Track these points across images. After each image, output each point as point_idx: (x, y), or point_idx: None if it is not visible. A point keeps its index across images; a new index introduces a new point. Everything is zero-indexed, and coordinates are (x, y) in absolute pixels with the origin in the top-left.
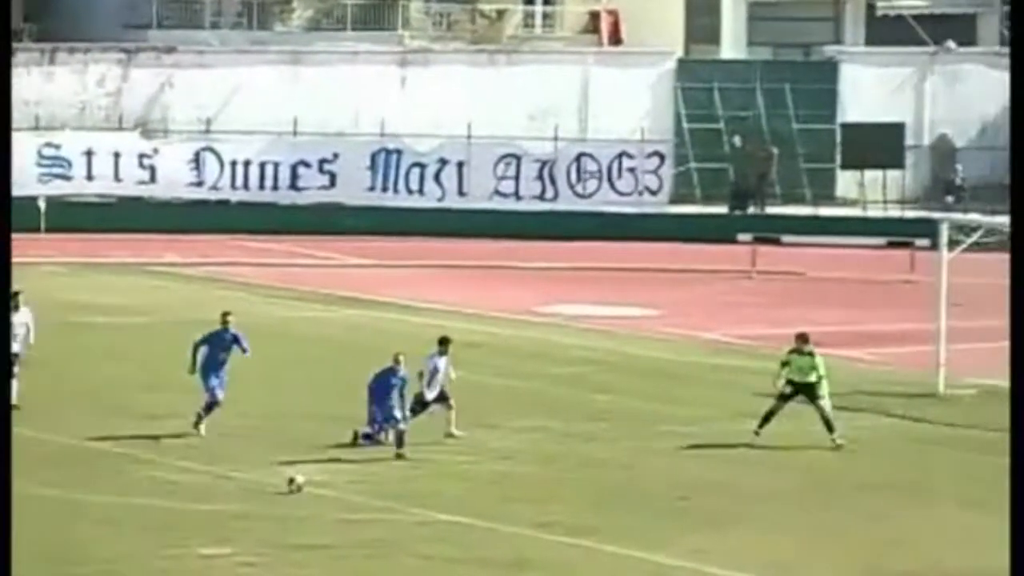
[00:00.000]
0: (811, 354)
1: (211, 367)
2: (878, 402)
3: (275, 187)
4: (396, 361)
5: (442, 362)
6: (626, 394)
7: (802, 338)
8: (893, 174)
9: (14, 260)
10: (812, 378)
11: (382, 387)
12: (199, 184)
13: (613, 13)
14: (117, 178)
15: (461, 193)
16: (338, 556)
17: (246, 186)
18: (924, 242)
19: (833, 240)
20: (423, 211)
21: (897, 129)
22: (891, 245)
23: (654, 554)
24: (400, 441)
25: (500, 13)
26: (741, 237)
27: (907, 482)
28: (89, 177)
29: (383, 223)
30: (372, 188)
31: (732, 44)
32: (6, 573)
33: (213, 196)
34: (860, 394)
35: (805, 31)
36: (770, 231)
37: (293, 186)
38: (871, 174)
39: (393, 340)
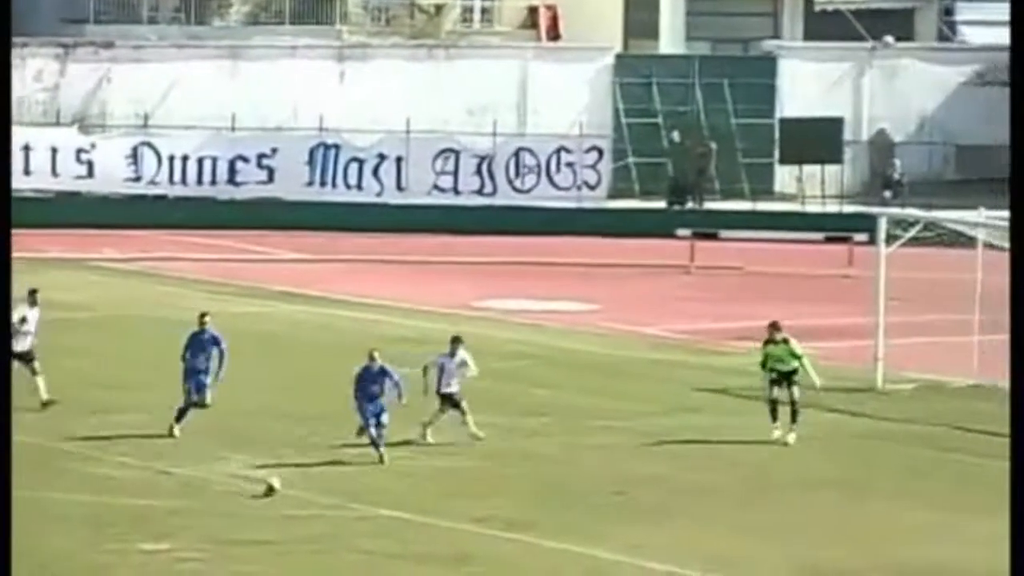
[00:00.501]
0: (785, 341)
1: (191, 370)
2: (817, 397)
3: (213, 182)
4: (371, 358)
5: (451, 362)
6: (565, 389)
7: (774, 327)
8: (831, 169)
9: None
10: (793, 365)
11: (360, 386)
12: (137, 179)
13: (551, 8)
14: (55, 173)
15: (400, 188)
16: (280, 552)
17: (184, 181)
18: (862, 237)
19: (772, 235)
20: (362, 206)
21: (835, 124)
22: (829, 240)
23: (593, 548)
24: (375, 442)
25: (438, 8)
26: (680, 232)
27: (846, 477)
28: (27, 172)
29: (322, 218)
30: (311, 183)
31: (670, 39)
32: (6, 573)
33: (151, 191)
34: (801, 388)
35: (744, 26)
36: (709, 226)
37: (231, 181)
38: (809, 169)
39: (332, 335)
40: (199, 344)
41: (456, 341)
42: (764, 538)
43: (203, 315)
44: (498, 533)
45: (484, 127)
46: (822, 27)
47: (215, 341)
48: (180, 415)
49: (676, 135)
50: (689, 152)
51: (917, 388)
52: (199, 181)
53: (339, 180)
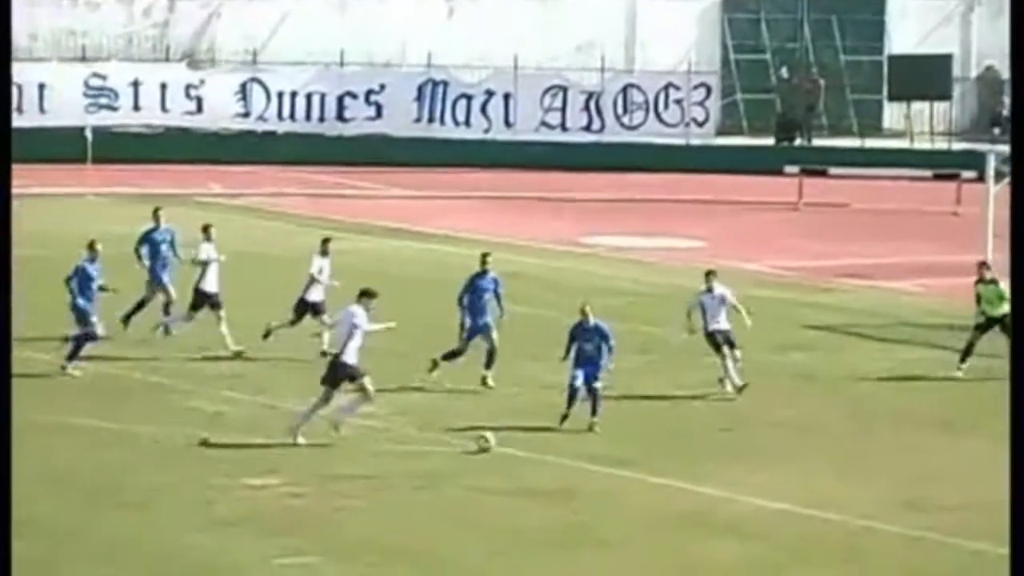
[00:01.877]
0: (994, 282)
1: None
2: (924, 334)
3: (322, 118)
4: (583, 313)
5: (710, 298)
6: (671, 326)
7: (983, 265)
8: (940, 106)
9: (59, 190)
10: (1003, 309)
11: (571, 346)
12: (245, 115)
13: None
14: (164, 109)
15: (508, 124)
16: (385, 487)
17: (292, 117)
18: (970, 174)
19: (879, 172)
20: (469, 142)
21: (944, 60)
22: (938, 177)
23: (698, 485)
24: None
25: None
26: (787, 169)
27: (950, 416)
28: (136, 108)
29: (429, 155)
30: (418, 119)
31: None
32: (6, 572)
33: (260, 127)
34: (906, 326)
35: None
36: (817, 163)
37: (340, 117)
38: (918, 106)
39: (438, 271)
40: (479, 287)
41: (711, 275)
42: (866, 474)
43: (485, 256)
44: (604, 469)
45: (592, 63)
46: None
47: (495, 284)
48: (451, 356)
49: (784, 71)
50: (797, 89)
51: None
52: (307, 117)
53: (447, 117)
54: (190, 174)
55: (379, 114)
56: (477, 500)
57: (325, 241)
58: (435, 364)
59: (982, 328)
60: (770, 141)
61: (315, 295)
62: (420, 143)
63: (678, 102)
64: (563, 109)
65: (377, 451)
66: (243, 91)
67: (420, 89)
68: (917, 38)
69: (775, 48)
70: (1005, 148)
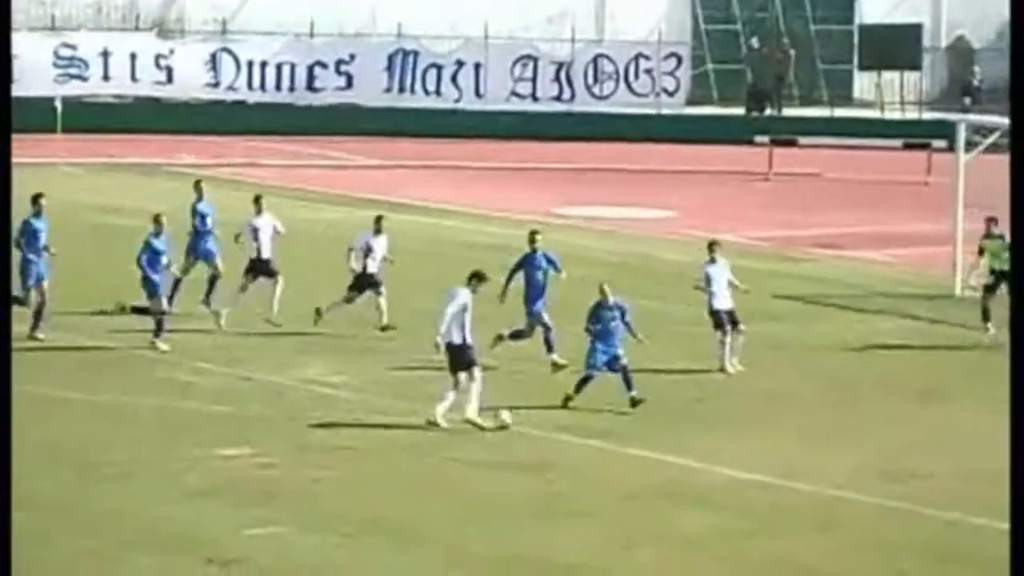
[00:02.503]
0: (1001, 237)
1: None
2: (895, 304)
3: (292, 88)
4: (603, 293)
5: (715, 269)
6: (643, 295)
7: (991, 220)
8: (911, 75)
9: (29, 161)
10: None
11: (592, 324)
12: (215, 85)
13: None
14: (134, 78)
15: (478, 95)
16: (361, 458)
17: (263, 87)
18: (941, 144)
19: (850, 142)
20: (440, 112)
21: (915, 30)
22: (908, 147)
23: (672, 455)
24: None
25: None
26: (758, 139)
27: (924, 383)
28: (105, 78)
29: (400, 124)
30: (389, 89)
31: None
32: (6, 572)
33: (229, 97)
34: (877, 295)
35: None
36: (787, 133)
37: (310, 87)
38: (888, 75)
39: (408, 241)
40: (534, 264)
41: (714, 245)
42: (841, 444)
43: (534, 233)
44: (579, 441)
45: (562, 34)
46: None
47: (550, 262)
48: (515, 336)
49: (755, 41)
50: (768, 59)
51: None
52: (277, 87)
53: (417, 87)
54: (160, 144)
55: (349, 84)
56: (454, 472)
57: (378, 219)
58: (499, 338)
59: (991, 288)
60: (740, 111)
61: (372, 268)
62: (390, 113)
63: (648, 72)
64: (534, 79)
65: (353, 422)
66: (213, 61)
67: (390, 59)
68: (887, 8)
69: (745, 18)
70: (975, 117)
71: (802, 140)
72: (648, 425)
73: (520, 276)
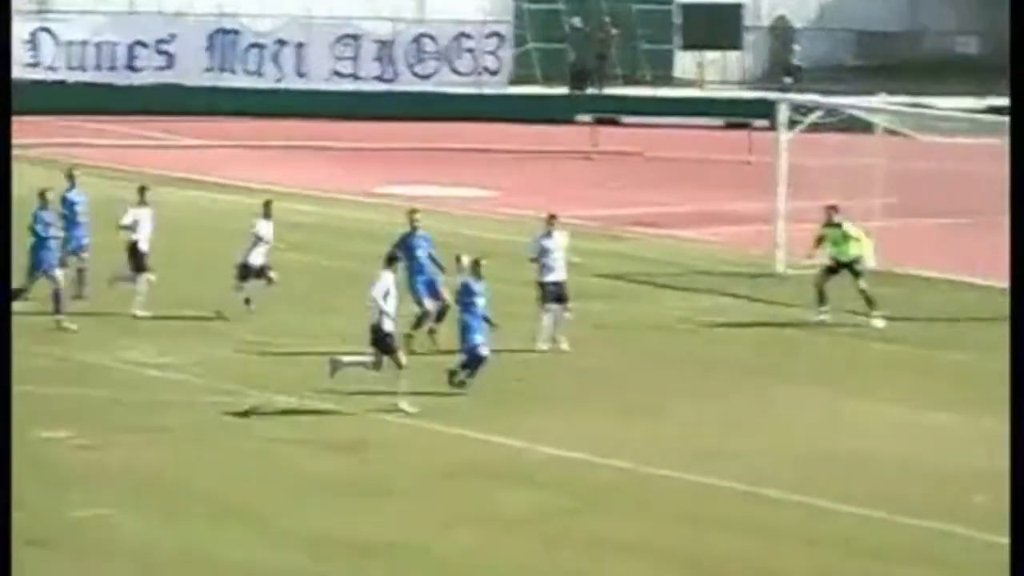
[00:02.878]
0: (839, 225)
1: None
2: (717, 282)
3: (112, 67)
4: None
5: (552, 242)
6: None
7: (832, 209)
8: (732, 55)
9: None
10: (851, 251)
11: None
12: (35, 64)
13: None
14: None
15: (300, 74)
16: (179, 439)
17: (83, 67)
18: (762, 123)
19: (672, 121)
20: (261, 92)
21: (736, 9)
22: (730, 126)
23: (494, 435)
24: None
25: None
26: (580, 118)
27: (745, 361)
28: None
29: (221, 104)
30: (210, 69)
31: None
32: (6, 572)
33: (49, 76)
34: (699, 274)
35: None
36: (609, 112)
37: (130, 67)
38: (710, 55)
39: (232, 221)
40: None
41: (553, 219)
42: (660, 422)
43: (413, 211)
44: (399, 420)
45: (384, 12)
46: None
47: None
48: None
49: (577, 20)
50: (590, 38)
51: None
52: (97, 66)
53: (238, 66)
54: None
55: (170, 64)
56: (275, 452)
57: (267, 204)
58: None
59: (831, 271)
60: (563, 90)
61: (258, 258)
62: (212, 92)
63: (471, 51)
64: (355, 58)
65: (171, 403)
66: (32, 40)
67: (211, 38)
68: None
69: None
70: (796, 97)
71: (624, 119)
72: (469, 404)
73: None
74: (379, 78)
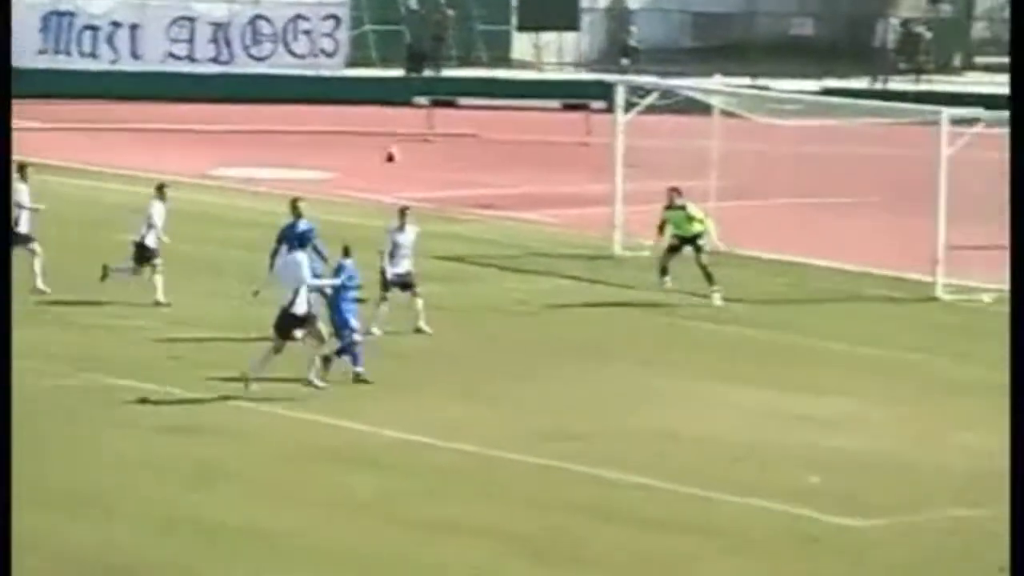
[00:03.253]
0: (683, 207)
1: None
2: (556, 264)
3: None
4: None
5: (404, 236)
6: None
7: (674, 191)
8: (569, 36)
9: None
10: (695, 229)
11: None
12: None
13: None
14: None
15: (135, 56)
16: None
17: None
18: (600, 104)
19: (509, 103)
20: (96, 74)
21: None
22: (567, 107)
23: (339, 419)
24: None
25: None
26: (417, 100)
27: (584, 343)
28: None
29: (56, 86)
30: (44, 51)
31: None
32: (6, 572)
33: None
34: (537, 256)
35: None
36: (446, 93)
37: None
38: (547, 36)
39: (67, 205)
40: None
41: (405, 211)
42: (501, 405)
43: (295, 201)
44: (243, 404)
45: None
46: None
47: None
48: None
49: (413, 2)
50: (426, 19)
51: (653, 255)
52: None
53: (73, 48)
54: None
55: None
56: (119, 436)
57: (160, 187)
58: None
59: (674, 249)
60: (400, 72)
61: (151, 240)
62: (46, 75)
63: (307, 33)
64: (191, 40)
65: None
66: None
67: (45, 20)
68: None
69: None
70: (633, 78)
71: (461, 101)
72: (312, 390)
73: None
74: (215, 60)
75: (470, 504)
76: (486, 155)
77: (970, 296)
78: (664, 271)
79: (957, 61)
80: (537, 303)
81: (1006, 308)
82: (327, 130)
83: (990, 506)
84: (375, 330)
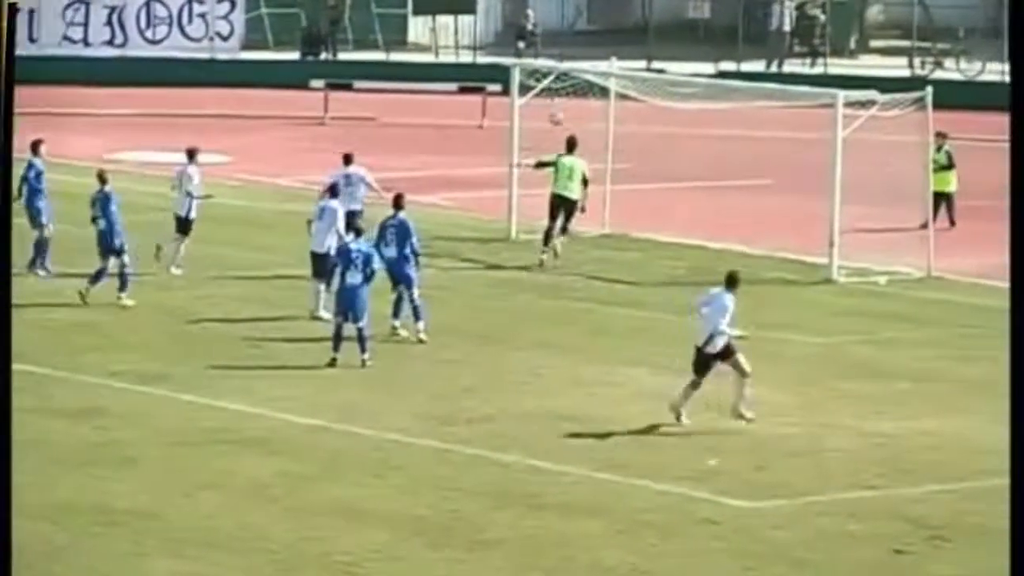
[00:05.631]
0: (574, 162)
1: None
2: (453, 247)
3: None
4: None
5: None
6: (200, 241)
7: (572, 140)
8: (465, 19)
9: None
10: (573, 193)
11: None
12: None
13: None
14: None
15: (31, 39)
16: None
17: None
18: (496, 87)
19: (405, 86)
20: None
21: None
22: (463, 91)
23: (229, 401)
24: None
25: None
26: (313, 83)
27: (481, 327)
28: None
29: None
30: None
31: None
32: (6, 572)
33: None
34: (435, 240)
35: None
36: (342, 77)
37: None
38: (443, 19)
39: None
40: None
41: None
42: (398, 388)
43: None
44: (132, 387)
45: None
46: None
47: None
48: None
49: None
50: (322, 3)
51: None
52: None
53: None
54: None
55: None
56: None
57: (193, 151)
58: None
59: (555, 209)
60: (295, 55)
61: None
62: None
63: (202, 16)
64: (86, 24)
65: None
66: None
67: None
68: None
69: None
70: (529, 61)
71: (357, 84)
72: (203, 370)
73: None
74: (109, 43)
75: (366, 487)
76: (383, 139)
77: (865, 278)
78: (547, 238)
79: (852, 44)
80: (435, 286)
81: (901, 290)
82: (224, 114)
83: (887, 488)
84: (324, 314)
